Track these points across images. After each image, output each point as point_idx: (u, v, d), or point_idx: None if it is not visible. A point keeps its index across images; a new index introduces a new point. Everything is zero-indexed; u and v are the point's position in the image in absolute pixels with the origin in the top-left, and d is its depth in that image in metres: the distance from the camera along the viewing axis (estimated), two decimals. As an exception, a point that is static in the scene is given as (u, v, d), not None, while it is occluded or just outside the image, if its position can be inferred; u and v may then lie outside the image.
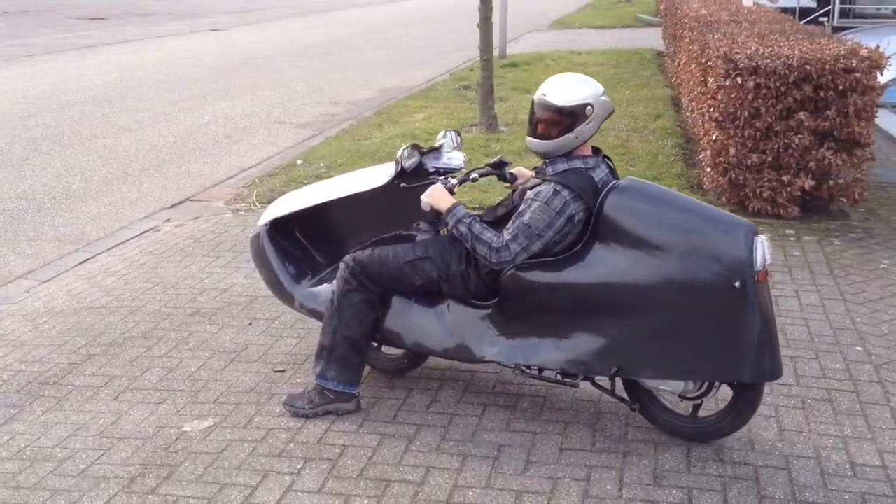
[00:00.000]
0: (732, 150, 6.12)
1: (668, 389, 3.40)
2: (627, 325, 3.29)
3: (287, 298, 4.02)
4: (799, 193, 6.07)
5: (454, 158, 3.96)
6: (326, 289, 3.87)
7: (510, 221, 3.43)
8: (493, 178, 3.85)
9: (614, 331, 3.32)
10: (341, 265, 3.72)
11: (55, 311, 5.05)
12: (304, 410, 3.72)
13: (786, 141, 5.95)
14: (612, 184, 3.36)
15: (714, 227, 3.20)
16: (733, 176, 6.19)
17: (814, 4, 16.57)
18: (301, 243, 4.17)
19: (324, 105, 12.11)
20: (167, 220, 6.95)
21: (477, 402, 3.81)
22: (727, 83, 6.06)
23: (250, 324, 4.75)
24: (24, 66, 16.13)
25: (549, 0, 34.24)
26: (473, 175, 3.76)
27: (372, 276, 3.64)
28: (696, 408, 3.48)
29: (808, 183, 6.00)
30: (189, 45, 20.38)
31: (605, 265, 3.29)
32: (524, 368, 3.51)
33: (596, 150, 3.53)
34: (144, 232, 6.63)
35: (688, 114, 9.13)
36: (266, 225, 4.07)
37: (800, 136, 5.92)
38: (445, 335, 3.62)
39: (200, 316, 4.86)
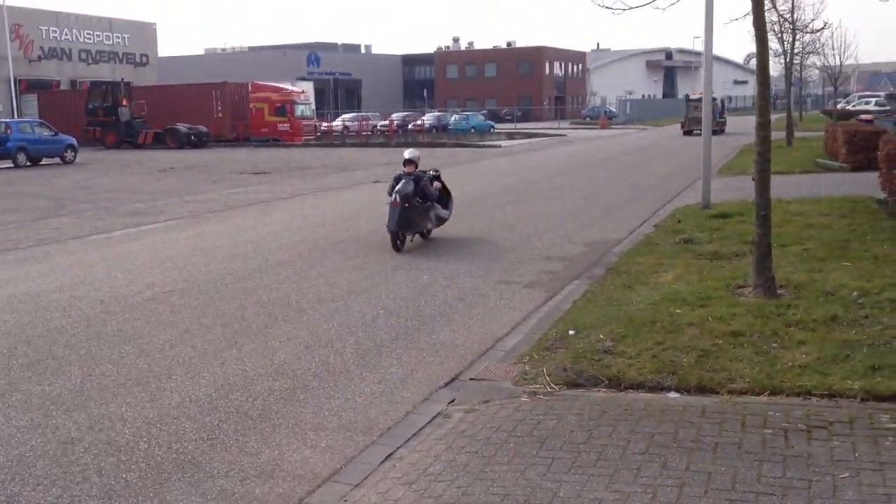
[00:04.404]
0: None
1: None
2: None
3: None
4: None
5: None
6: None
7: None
8: None
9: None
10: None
11: (398, 532, 4.22)
12: None
13: None
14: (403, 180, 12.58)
15: None
16: None
17: None
18: None
19: (538, 261, 11.43)
20: (451, 402, 6.19)
21: None
22: None
23: (660, 562, 3.78)
24: (212, 224, 16.20)
25: (691, 147, 33.53)
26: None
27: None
28: None
29: None
30: (358, 196, 20.45)
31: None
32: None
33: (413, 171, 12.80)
34: (434, 419, 5.87)
35: None
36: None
37: None
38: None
39: (589, 547, 3.94)
